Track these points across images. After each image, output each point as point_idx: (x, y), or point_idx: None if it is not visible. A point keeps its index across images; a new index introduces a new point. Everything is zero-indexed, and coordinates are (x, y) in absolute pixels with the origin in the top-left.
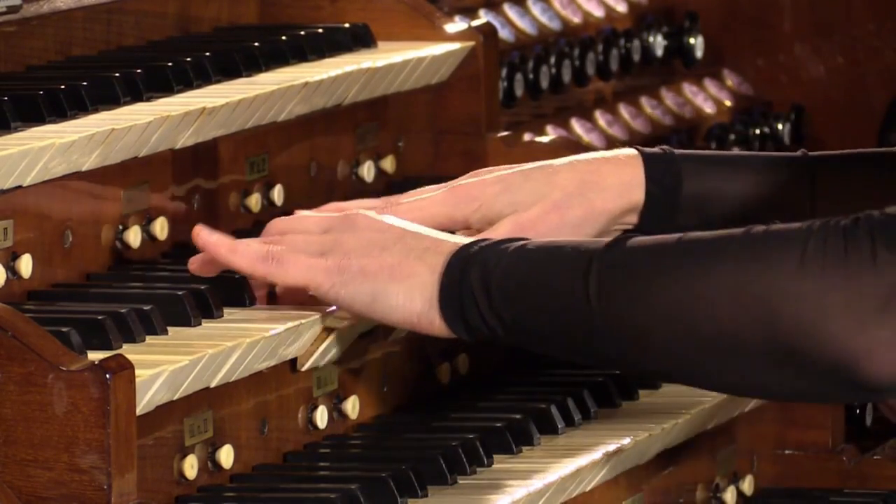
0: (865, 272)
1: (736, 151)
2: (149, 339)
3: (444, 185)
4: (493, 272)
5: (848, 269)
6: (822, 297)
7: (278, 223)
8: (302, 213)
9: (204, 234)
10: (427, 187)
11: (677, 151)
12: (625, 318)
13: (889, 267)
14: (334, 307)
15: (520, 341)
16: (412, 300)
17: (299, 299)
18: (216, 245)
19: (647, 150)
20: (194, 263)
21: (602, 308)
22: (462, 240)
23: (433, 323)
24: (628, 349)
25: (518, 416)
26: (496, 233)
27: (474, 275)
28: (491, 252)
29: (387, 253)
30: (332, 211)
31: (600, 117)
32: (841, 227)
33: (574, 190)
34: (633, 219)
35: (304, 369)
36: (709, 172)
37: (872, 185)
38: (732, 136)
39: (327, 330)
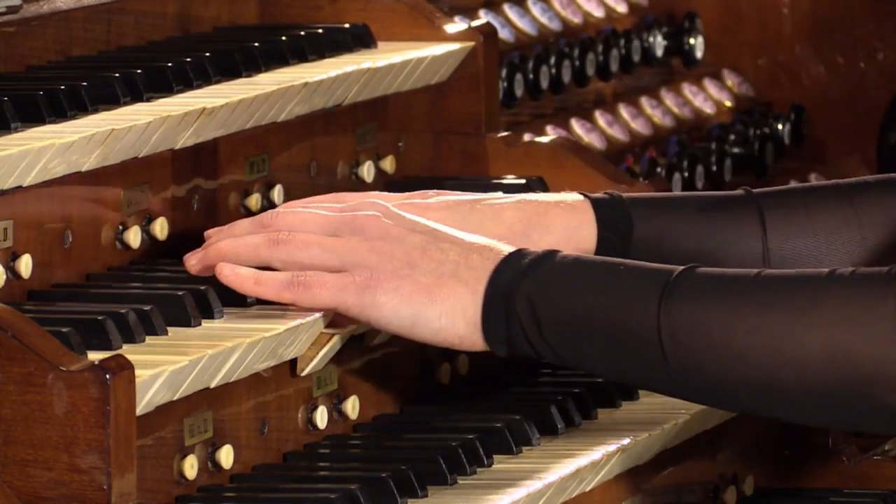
0: None
1: (680, 192)
2: (149, 339)
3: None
4: (543, 307)
5: None
6: None
7: (283, 219)
8: (296, 208)
9: (226, 271)
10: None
11: (625, 195)
12: (703, 368)
13: None
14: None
15: (571, 366)
16: (454, 323)
17: None
18: (240, 280)
19: (594, 195)
20: (195, 265)
21: (678, 358)
22: (490, 247)
23: (477, 343)
24: (703, 392)
25: (518, 417)
26: None
27: (520, 304)
28: (533, 280)
29: (417, 271)
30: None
31: (600, 117)
32: None
33: (519, 229)
34: None
35: (303, 374)
36: (658, 215)
37: (819, 219)
38: (732, 136)
39: (326, 334)
